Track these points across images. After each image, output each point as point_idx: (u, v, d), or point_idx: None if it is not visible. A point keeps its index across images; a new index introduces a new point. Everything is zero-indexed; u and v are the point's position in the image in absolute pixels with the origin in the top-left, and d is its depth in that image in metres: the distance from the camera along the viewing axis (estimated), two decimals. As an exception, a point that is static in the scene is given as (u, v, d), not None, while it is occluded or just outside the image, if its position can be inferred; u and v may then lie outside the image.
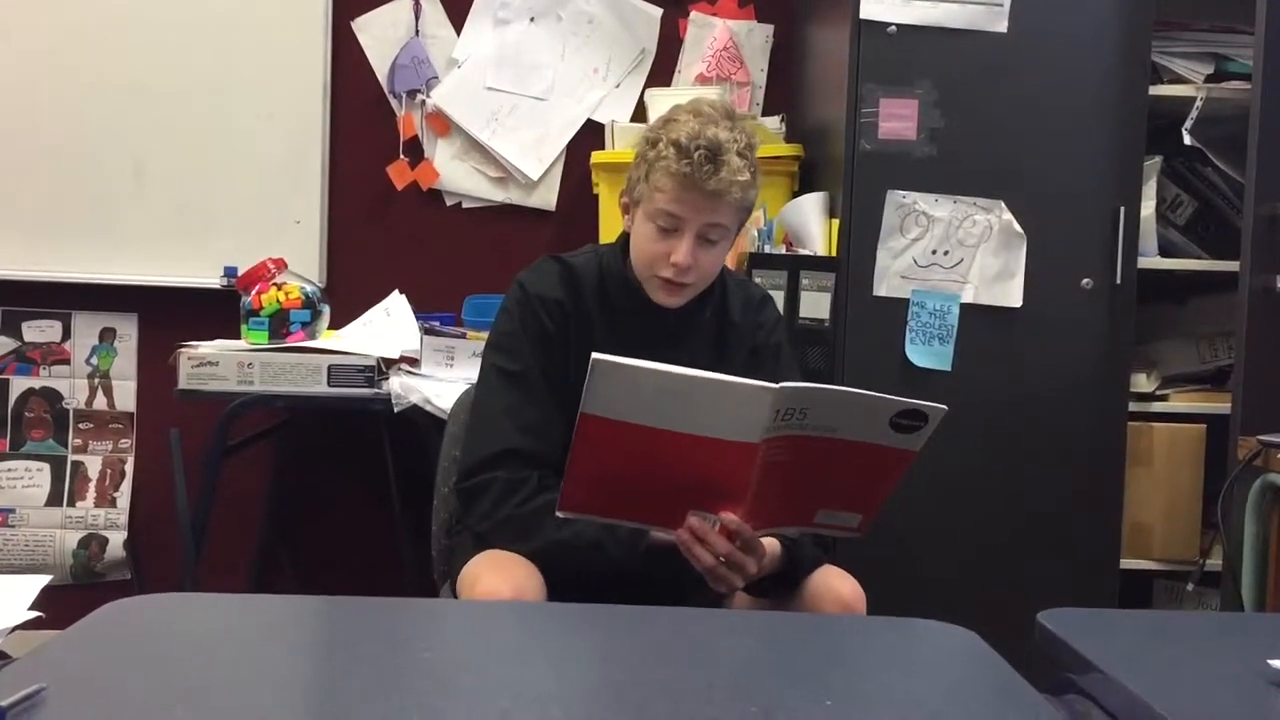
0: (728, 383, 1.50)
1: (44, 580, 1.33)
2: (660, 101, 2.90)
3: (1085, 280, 2.63)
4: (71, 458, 3.23)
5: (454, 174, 3.25)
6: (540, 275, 1.89)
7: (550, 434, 1.77)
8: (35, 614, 1.24)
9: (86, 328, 3.22)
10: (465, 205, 3.27)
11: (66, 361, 3.22)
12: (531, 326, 1.84)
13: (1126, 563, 2.70)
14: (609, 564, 1.71)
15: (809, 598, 1.76)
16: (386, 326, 2.88)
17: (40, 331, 3.22)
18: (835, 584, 1.76)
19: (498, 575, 1.68)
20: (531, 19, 3.22)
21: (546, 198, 3.26)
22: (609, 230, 2.84)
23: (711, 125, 1.76)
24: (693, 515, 1.61)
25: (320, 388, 2.60)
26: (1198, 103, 2.72)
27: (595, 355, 1.46)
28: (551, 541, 1.72)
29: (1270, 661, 1.06)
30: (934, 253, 2.61)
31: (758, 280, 2.59)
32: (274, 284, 2.71)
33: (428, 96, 3.20)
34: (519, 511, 1.75)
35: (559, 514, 1.59)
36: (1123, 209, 2.61)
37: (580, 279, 1.89)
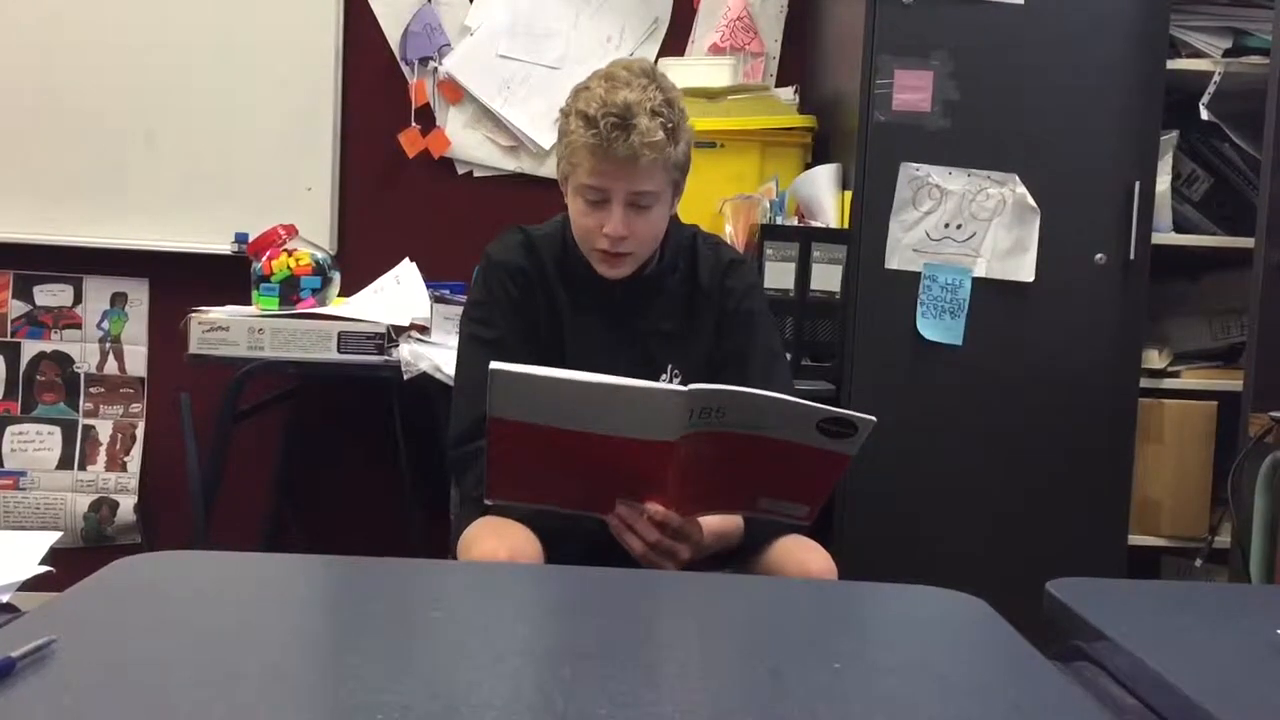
0: (633, 388, 1.48)
1: (54, 536, 1.34)
2: (673, 72, 2.87)
3: (1099, 255, 2.61)
4: (82, 421, 3.24)
5: (465, 142, 3.24)
6: (503, 245, 1.91)
7: None
8: (45, 569, 1.25)
9: (98, 292, 3.23)
10: (476, 174, 3.26)
11: (78, 326, 3.23)
12: (500, 294, 1.85)
13: (1135, 539, 2.70)
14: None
15: (775, 568, 1.74)
16: (397, 294, 2.87)
17: (52, 295, 3.22)
18: (801, 555, 1.74)
19: (495, 538, 1.70)
20: (545, -13, 3.20)
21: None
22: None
23: (621, 89, 1.73)
24: (620, 504, 1.60)
25: (330, 354, 2.60)
26: (1215, 77, 2.70)
27: (493, 365, 1.46)
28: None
29: (1279, 631, 1.06)
30: (947, 226, 2.60)
31: (769, 252, 2.59)
32: (285, 250, 2.70)
33: (440, 64, 3.19)
34: None
35: (487, 501, 1.60)
36: (1138, 184, 2.60)
37: (542, 249, 1.89)
